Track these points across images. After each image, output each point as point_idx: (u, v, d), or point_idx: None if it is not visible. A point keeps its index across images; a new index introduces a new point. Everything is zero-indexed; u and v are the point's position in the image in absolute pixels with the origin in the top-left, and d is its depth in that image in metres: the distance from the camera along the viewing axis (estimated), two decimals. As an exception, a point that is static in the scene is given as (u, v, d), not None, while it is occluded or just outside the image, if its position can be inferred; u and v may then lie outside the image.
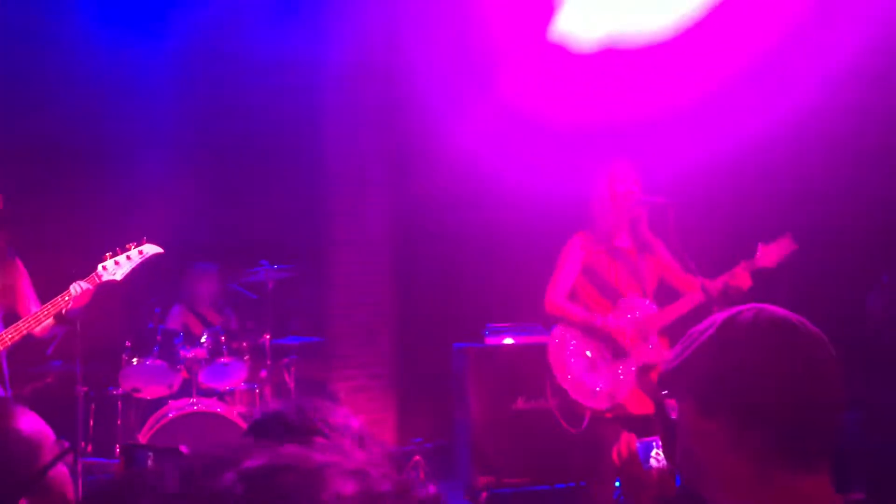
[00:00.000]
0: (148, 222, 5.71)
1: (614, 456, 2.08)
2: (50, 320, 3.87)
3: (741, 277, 4.07)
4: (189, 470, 0.59)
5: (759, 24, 5.38)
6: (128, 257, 3.91)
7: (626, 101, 5.72)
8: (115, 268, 3.89)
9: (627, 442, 2.06)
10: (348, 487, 0.60)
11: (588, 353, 4.25)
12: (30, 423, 1.36)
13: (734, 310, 1.41)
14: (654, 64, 5.67)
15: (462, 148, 6.38)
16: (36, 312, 3.78)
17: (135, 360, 5.31)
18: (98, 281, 3.86)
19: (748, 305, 1.42)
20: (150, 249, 3.99)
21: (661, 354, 4.17)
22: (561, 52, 5.82)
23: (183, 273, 6.19)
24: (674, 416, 1.42)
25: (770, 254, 4.13)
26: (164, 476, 0.59)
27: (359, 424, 1.39)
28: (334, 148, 6.99)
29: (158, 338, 5.41)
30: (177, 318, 6.00)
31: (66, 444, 1.48)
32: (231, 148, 6.79)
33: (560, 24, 5.80)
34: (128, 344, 5.35)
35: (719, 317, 1.41)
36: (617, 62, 5.73)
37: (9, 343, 3.74)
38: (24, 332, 3.75)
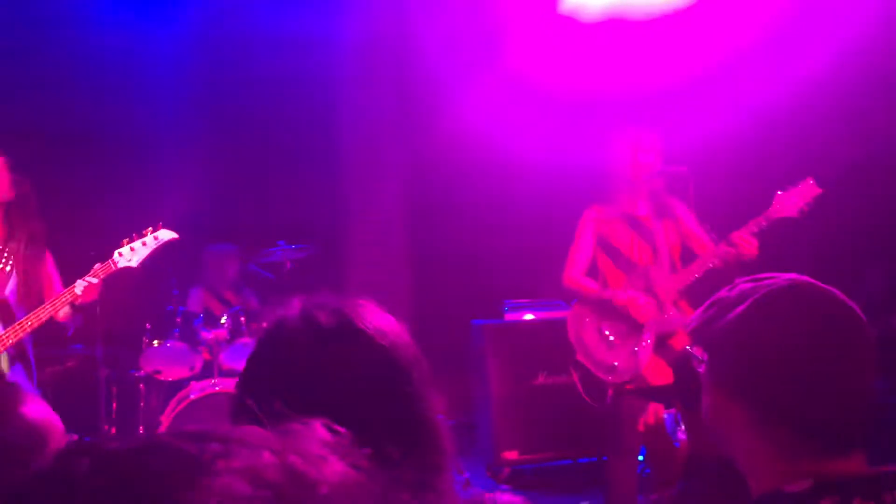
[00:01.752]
0: (166, 205, 5.74)
1: (640, 427, 2.04)
2: (67, 308, 3.86)
3: (743, 244, 3.91)
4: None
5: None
6: (143, 243, 3.88)
7: (639, 71, 5.65)
8: (131, 254, 3.86)
9: (655, 413, 2.02)
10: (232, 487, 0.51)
11: (605, 331, 4.22)
12: (38, 411, 1.34)
13: (766, 285, 1.32)
14: (666, 32, 5.60)
15: (476, 123, 6.33)
16: (45, 305, 3.77)
17: (155, 342, 5.33)
18: (114, 268, 3.84)
19: (782, 279, 1.32)
20: (165, 235, 3.94)
21: (680, 321, 4.10)
22: (574, 25, 5.76)
23: (202, 255, 6.21)
24: (700, 370, 1.37)
25: (790, 202, 3.93)
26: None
27: (401, 330, 1.25)
28: (348, 126, 6.96)
29: (178, 320, 5.43)
30: (197, 300, 6.02)
31: (75, 437, 1.45)
32: (246, 129, 6.78)
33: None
34: (148, 326, 5.38)
35: (750, 291, 1.32)
36: (630, 32, 5.66)
37: (26, 331, 3.73)
38: (42, 320, 3.74)
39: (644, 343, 4.12)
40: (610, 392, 4.13)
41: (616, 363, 4.14)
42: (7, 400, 1.32)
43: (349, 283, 6.80)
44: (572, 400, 4.27)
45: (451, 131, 6.52)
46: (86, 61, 6.22)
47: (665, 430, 1.96)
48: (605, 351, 4.18)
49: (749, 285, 1.35)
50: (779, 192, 3.92)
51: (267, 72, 6.56)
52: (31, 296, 3.86)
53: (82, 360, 5.39)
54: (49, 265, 4.00)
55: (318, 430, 0.63)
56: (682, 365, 1.91)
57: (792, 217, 3.88)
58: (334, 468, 0.58)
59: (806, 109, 5.48)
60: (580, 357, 4.23)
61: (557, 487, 5.50)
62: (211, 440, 0.54)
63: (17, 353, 3.82)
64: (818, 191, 3.88)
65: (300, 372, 1.16)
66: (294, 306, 1.24)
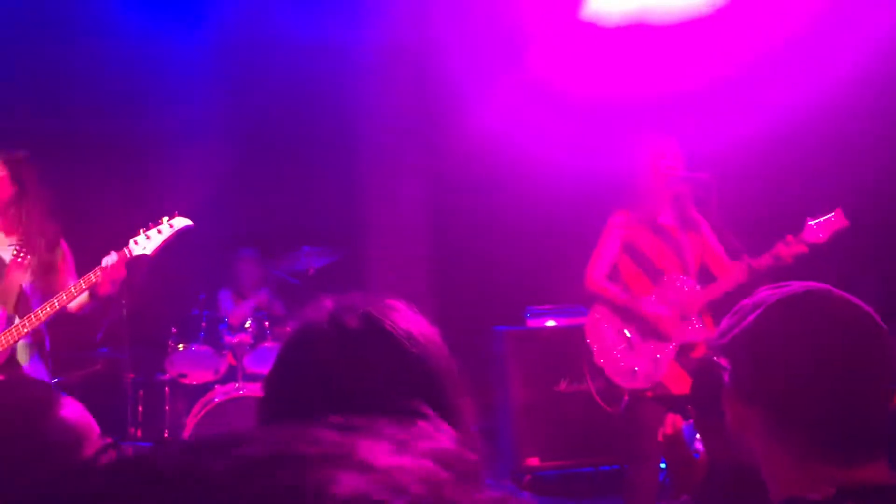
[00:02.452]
0: (190, 210, 5.79)
1: (659, 437, 2.04)
2: (84, 297, 3.80)
3: (786, 254, 3.97)
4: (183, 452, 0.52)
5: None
6: (158, 231, 3.79)
7: (662, 76, 5.64)
8: (146, 242, 3.76)
9: (673, 423, 2.03)
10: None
11: (626, 333, 4.21)
12: (75, 413, 1.36)
13: (783, 291, 1.33)
14: (690, 37, 5.58)
15: (497, 129, 6.34)
16: (69, 288, 3.71)
17: (181, 346, 5.39)
18: (129, 255, 3.73)
19: (799, 286, 1.33)
20: (180, 222, 3.84)
21: (703, 333, 4.11)
22: (595, 30, 5.76)
23: (227, 259, 6.27)
24: (727, 379, 1.38)
25: (819, 230, 4.00)
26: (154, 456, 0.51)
27: (433, 333, 1.20)
28: (371, 132, 7.00)
29: (204, 324, 5.49)
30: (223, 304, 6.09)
31: (110, 440, 1.46)
32: (270, 135, 6.84)
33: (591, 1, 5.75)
34: (174, 330, 5.44)
35: (767, 297, 1.33)
36: (652, 36, 5.65)
37: (42, 319, 3.67)
38: (58, 307, 3.67)
39: (667, 350, 4.12)
40: (626, 398, 4.13)
41: (636, 368, 4.13)
42: (45, 400, 1.35)
43: (371, 289, 6.82)
44: (594, 407, 4.26)
45: (473, 137, 6.53)
46: (110, 66, 6.30)
47: (683, 440, 1.96)
48: (626, 355, 4.18)
49: (767, 292, 1.36)
50: (809, 220, 3.99)
51: (290, 77, 6.61)
52: (47, 288, 3.83)
53: (109, 364, 5.46)
54: (67, 259, 3.95)
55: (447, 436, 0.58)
56: (699, 373, 1.91)
57: (818, 244, 3.96)
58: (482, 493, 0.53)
59: (833, 115, 5.44)
60: (598, 360, 4.22)
61: (579, 494, 5.48)
62: (335, 459, 0.50)
63: (35, 346, 3.80)
64: (846, 223, 3.98)
65: (325, 375, 1.14)
66: (323, 308, 1.20)
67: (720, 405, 1.35)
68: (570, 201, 6.06)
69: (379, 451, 0.52)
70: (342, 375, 1.13)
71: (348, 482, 0.48)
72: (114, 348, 5.45)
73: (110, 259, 3.70)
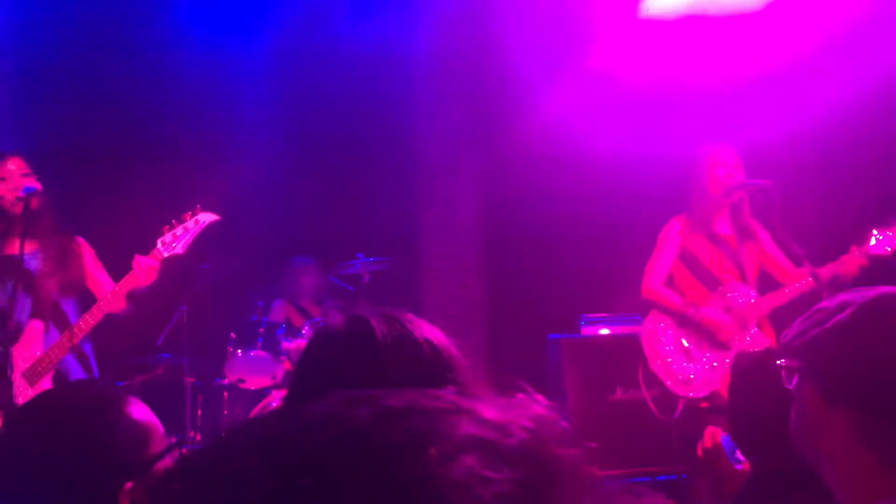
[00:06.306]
0: (248, 218, 5.89)
1: (699, 452, 2.02)
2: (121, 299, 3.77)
3: (851, 264, 3.89)
4: (333, 401, 0.62)
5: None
6: (185, 228, 3.77)
7: (724, 71, 5.53)
8: (175, 241, 3.74)
9: (712, 435, 2.00)
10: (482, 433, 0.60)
11: (683, 341, 4.17)
12: (141, 412, 1.42)
13: (873, 293, 1.31)
14: (751, 30, 5.46)
15: (555, 135, 6.31)
16: (113, 290, 3.70)
17: (239, 351, 5.48)
18: (161, 257, 3.71)
19: (886, 288, 1.31)
20: (206, 217, 3.81)
21: (762, 342, 4.04)
22: (654, 24, 5.70)
23: (284, 267, 6.36)
24: (789, 387, 1.35)
25: (886, 242, 3.89)
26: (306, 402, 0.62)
27: (444, 336, 1.27)
28: (426, 139, 7.02)
29: (261, 330, 5.57)
30: (279, 311, 6.17)
31: (174, 440, 1.51)
32: (325, 142, 6.91)
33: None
34: (232, 336, 5.53)
35: (856, 299, 1.31)
36: (715, 29, 5.55)
37: (86, 330, 3.68)
38: (99, 317, 3.68)
39: (724, 358, 4.06)
40: (680, 406, 4.09)
41: (692, 376, 4.09)
42: (113, 398, 1.40)
43: (426, 296, 6.85)
44: (650, 415, 4.22)
45: (529, 142, 6.52)
46: (166, 76, 6.43)
47: (724, 452, 1.93)
48: (683, 363, 4.14)
49: (851, 296, 1.33)
50: (874, 231, 3.89)
51: (346, 84, 6.67)
52: (78, 293, 3.83)
53: (170, 368, 5.57)
54: (88, 257, 3.92)
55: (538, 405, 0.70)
56: (737, 376, 1.89)
57: (883, 256, 3.86)
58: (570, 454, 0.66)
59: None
60: (654, 368, 4.18)
61: (635, 504, 5.42)
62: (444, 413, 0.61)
63: (74, 355, 3.79)
64: None
65: (347, 372, 1.19)
66: (340, 314, 1.30)
67: (758, 408, 1.33)
68: (626, 209, 6.01)
69: (488, 409, 0.64)
70: (366, 373, 1.18)
71: (466, 427, 0.61)
72: (174, 353, 5.56)
73: (143, 264, 3.69)
